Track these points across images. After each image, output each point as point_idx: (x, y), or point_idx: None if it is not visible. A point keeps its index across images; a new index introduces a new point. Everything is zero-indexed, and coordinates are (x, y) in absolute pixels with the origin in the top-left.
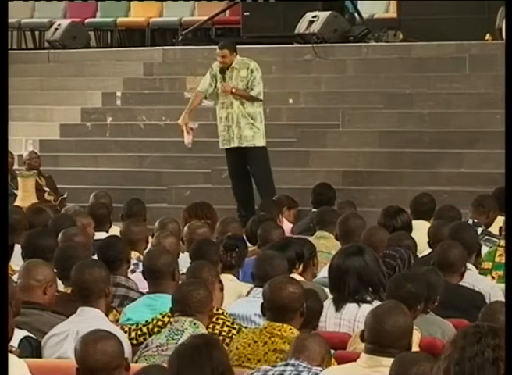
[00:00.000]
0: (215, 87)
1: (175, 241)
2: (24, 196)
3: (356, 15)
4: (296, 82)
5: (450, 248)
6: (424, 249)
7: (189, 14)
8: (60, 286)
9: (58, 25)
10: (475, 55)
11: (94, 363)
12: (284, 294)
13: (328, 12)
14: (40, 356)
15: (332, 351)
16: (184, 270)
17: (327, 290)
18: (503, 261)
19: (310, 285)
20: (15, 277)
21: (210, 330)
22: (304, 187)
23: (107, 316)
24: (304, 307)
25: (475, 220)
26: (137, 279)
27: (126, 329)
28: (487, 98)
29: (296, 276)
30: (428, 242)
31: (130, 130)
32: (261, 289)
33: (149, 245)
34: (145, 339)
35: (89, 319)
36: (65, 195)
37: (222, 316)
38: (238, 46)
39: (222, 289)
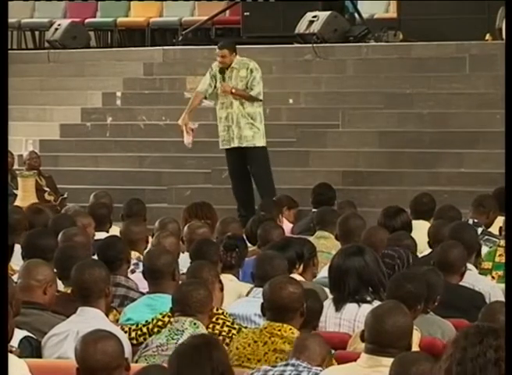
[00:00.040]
0: (215, 87)
1: (175, 241)
2: (24, 196)
3: (356, 15)
4: (296, 82)
5: (450, 248)
6: (424, 249)
7: (189, 14)
8: (60, 286)
9: (58, 25)
10: (475, 55)
11: (94, 363)
12: (284, 294)
13: (328, 12)
14: (40, 356)
15: (332, 351)
16: (184, 270)
17: (327, 290)
18: (503, 261)
19: (310, 285)
20: (15, 277)
21: (210, 330)
22: (304, 187)
23: (107, 316)
24: (304, 307)
25: (475, 220)
26: (137, 279)
27: (126, 329)
28: (487, 98)
29: (296, 276)
30: (428, 242)
31: (130, 130)
32: (261, 289)
33: (149, 245)
34: (145, 339)
35: (89, 319)
36: (65, 195)
37: (222, 316)
38: (238, 46)
39: (222, 289)
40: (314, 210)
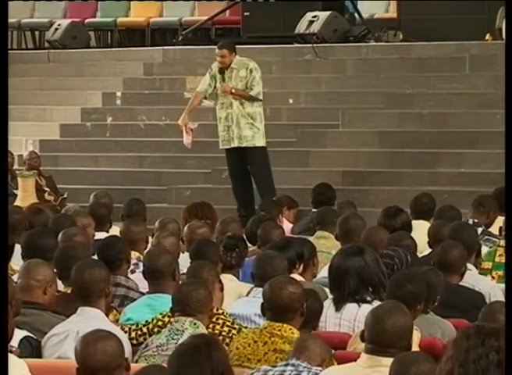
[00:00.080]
0: (215, 87)
1: (175, 241)
2: (24, 196)
3: (356, 15)
4: (296, 82)
5: (450, 248)
6: (424, 249)
7: (189, 14)
8: (60, 286)
9: (58, 25)
10: (475, 55)
11: (95, 363)
12: (284, 294)
13: (328, 12)
14: (40, 356)
15: (332, 351)
16: (184, 270)
17: (327, 290)
18: (503, 261)
19: (310, 285)
20: (15, 277)
21: (210, 330)
22: (304, 187)
23: (107, 316)
24: (304, 307)
25: (475, 220)
26: (137, 279)
27: (126, 329)
28: (487, 98)
29: (296, 276)
30: (428, 242)
31: (130, 130)
32: (261, 289)
33: (149, 245)
34: (145, 339)
35: (89, 319)
36: (65, 195)
37: (222, 316)
38: (238, 46)
39: (222, 289)
40: (314, 210)
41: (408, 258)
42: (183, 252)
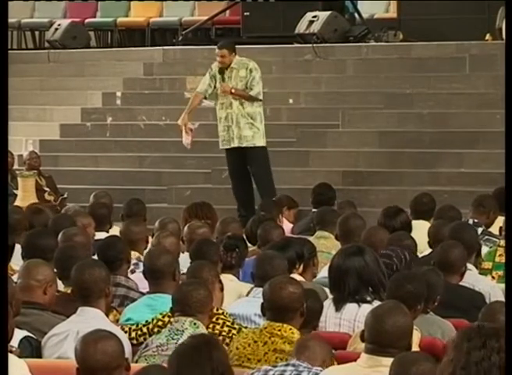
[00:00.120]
0: (215, 87)
1: (175, 241)
2: (24, 196)
3: (356, 15)
4: (296, 82)
5: (450, 248)
6: (424, 249)
7: (189, 14)
8: (60, 286)
9: (58, 25)
10: (475, 55)
11: (95, 363)
12: (284, 294)
13: (328, 12)
14: (40, 356)
15: (333, 351)
16: (184, 270)
17: (327, 290)
18: (503, 261)
19: (310, 285)
20: (15, 277)
21: (210, 330)
22: (304, 187)
23: (107, 316)
24: (304, 307)
25: (475, 220)
26: (137, 279)
27: (126, 329)
28: (487, 98)
29: (296, 276)
30: (428, 242)
31: (130, 130)
32: (261, 289)
33: (149, 245)
34: (145, 339)
35: (89, 319)
36: (65, 195)
37: (222, 316)
38: (238, 46)
39: (222, 289)
40: (314, 210)
41: (407, 257)
42: (183, 252)
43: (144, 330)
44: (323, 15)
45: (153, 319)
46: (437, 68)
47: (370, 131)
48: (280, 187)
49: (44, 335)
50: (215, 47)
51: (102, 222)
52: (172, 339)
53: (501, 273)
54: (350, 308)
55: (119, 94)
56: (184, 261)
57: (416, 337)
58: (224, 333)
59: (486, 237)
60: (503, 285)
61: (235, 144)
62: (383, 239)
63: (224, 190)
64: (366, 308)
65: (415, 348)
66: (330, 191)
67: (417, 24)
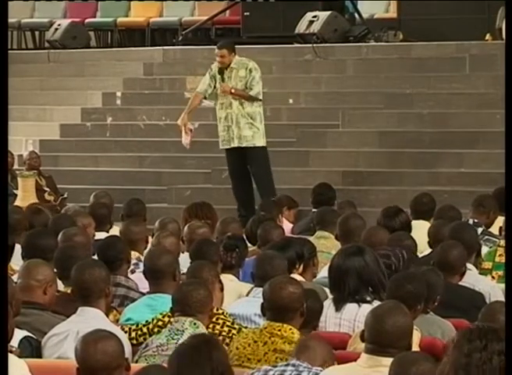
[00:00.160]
0: (215, 87)
1: (175, 241)
2: (24, 196)
3: (356, 15)
4: (296, 82)
5: (450, 248)
6: (424, 249)
7: (189, 14)
8: (60, 286)
9: (58, 25)
10: (475, 55)
11: (95, 363)
12: (284, 294)
13: (328, 12)
14: (40, 356)
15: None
16: (184, 270)
17: (327, 290)
18: (503, 261)
19: (310, 285)
20: (15, 277)
21: (210, 330)
22: (304, 187)
23: (107, 316)
24: (304, 307)
25: (475, 220)
26: (137, 279)
27: (126, 329)
28: (487, 98)
29: (296, 276)
30: (428, 242)
31: (130, 130)
32: (261, 289)
33: (149, 245)
34: (145, 339)
35: (89, 319)
36: (65, 195)
37: (222, 316)
38: (238, 46)
39: (222, 289)
40: (314, 210)
41: (405, 256)
42: (183, 252)
43: (144, 330)
44: (323, 15)
45: (153, 319)
46: (437, 68)
47: (370, 131)
48: (280, 187)
49: (44, 335)
50: (215, 47)
51: (102, 222)
52: (172, 339)
53: (501, 273)
54: (350, 308)
55: (119, 94)
56: (184, 261)
57: (416, 337)
58: (224, 333)
59: (486, 237)
60: (503, 285)
61: (235, 144)
62: (383, 239)
63: (224, 190)
64: (366, 308)
65: (415, 348)
66: (330, 191)
67: (417, 24)
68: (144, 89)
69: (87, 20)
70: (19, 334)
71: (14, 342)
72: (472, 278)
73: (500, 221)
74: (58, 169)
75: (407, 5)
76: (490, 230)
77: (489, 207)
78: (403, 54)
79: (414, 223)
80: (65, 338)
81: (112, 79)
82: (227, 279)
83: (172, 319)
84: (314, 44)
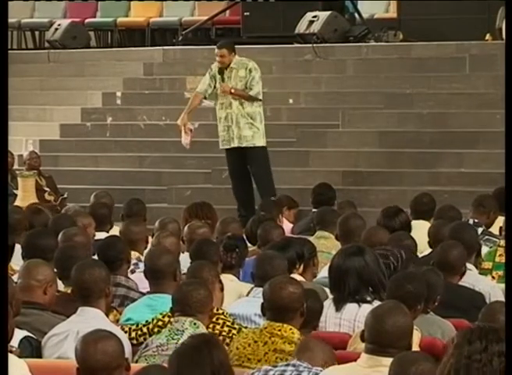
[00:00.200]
0: (215, 87)
1: (175, 241)
2: (24, 196)
3: (356, 15)
4: (296, 82)
5: (450, 248)
6: (424, 249)
7: (189, 14)
8: (60, 286)
9: (58, 25)
10: (475, 55)
11: (95, 363)
12: (284, 294)
13: (328, 12)
14: (40, 356)
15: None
16: (184, 270)
17: (327, 290)
18: (503, 261)
19: (310, 285)
20: (15, 277)
21: (210, 330)
22: (304, 187)
23: (107, 316)
24: (304, 307)
25: (475, 220)
26: (137, 279)
27: (127, 329)
28: (487, 98)
29: (296, 276)
30: (429, 242)
31: (130, 130)
32: (261, 289)
33: (149, 245)
34: (145, 339)
35: (89, 319)
36: (65, 195)
37: (222, 316)
38: (238, 46)
39: (222, 289)
40: (314, 210)
41: (403, 256)
42: (183, 252)
43: (144, 330)
44: (323, 15)
45: (153, 319)
46: (437, 68)
47: (370, 131)
48: (280, 187)
49: (44, 335)
50: (215, 47)
51: (103, 222)
52: (173, 339)
53: (501, 273)
54: (350, 308)
55: (119, 94)
56: (184, 261)
57: (416, 337)
58: (224, 333)
59: (486, 237)
60: (503, 285)
61: (235, 144)
62: (383, 239)
63: (224, 190)
64: (366, 308)
65: (415, 348)
66: (330, 191)
67: (417, 24)
68: (144, 89)
69: (87, 20)
70: (19, 334)
71: (14, 342)
72: (472, 278)
73: (500, 221)
74: (58, 169)
75: (407, 5)
76: (490, 230)
77: (489, 207)
78: (403, 54)
79: (414, 223)
80: (65, 338)
81: (111, 79)
82: (227, 279)
83: (172, 319)
84: (314, 44)
